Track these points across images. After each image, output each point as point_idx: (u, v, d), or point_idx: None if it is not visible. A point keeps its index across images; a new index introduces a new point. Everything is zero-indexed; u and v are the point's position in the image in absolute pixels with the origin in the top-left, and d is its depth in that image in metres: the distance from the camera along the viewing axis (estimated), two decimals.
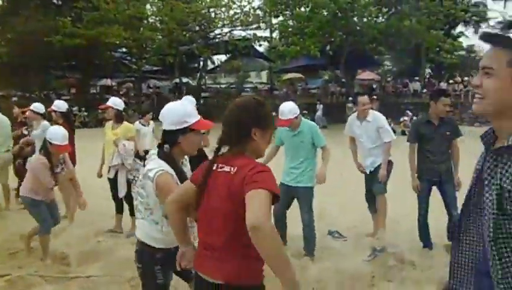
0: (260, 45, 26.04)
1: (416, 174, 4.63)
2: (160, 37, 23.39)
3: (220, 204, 1.72)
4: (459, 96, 22.10)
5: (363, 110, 4.75)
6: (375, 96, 21.67)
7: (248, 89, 29.62)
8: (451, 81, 23.81)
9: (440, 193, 4.62)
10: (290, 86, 28.09)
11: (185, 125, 2.25)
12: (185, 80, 29.28)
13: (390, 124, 18.63)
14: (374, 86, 26.07)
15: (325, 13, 20.20)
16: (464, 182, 4.47)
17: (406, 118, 19.11)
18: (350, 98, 21.33)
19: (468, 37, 37.26)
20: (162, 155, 2.27)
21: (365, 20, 21.27)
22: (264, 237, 1.47)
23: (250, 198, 1.54)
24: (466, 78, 24.14)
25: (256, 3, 23.73)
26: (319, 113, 20.65)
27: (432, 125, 4.49)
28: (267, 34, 26.23)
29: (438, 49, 20.89)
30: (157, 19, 23.54)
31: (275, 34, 26.08)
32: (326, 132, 19.31)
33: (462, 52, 35.94)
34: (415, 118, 18.99)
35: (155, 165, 2.23)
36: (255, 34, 23.65)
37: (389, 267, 4.11)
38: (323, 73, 30.49)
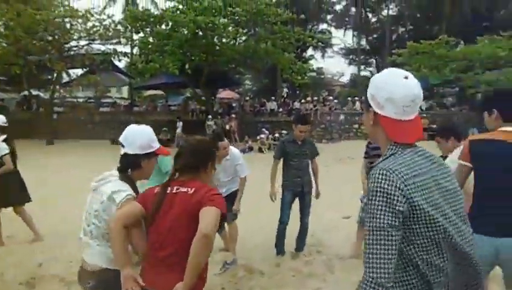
0: (120, 60, 25.88)
1: (281, 185, 5.33)
2: (4, 44, 21.70)
3: (176, 220, 2.01)
4: (310, 115, 24.86)
5: (224, 153, 4.76)
6: (233, 115, 23.38)
7: (107, 104, 29.03)
8: (303, 100, 26.61)
9: (299, 202, 5.37)
10: (150, 102, 28.45)
11: (151, 149, 2.39)
12: (35, 92, 27.46)
13: (247, 142, 20.22)
14: (234, 105, 27.80)
15: (185, 32, 21.03)
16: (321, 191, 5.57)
17: (262, 135, 20.85)
18: (209, 116, 22.54)
19: (317, 60, 42.29)
20: (124, 178, 2.32)
21: (224, 40, 22.59)
22: (207, 245, 1.85)
23: (205, 212, 1.92)
24: (315, 98, 27.15)
25: (117, 18, 23.66)
26: (178, 130, 21.32)
27: (296, 144, 5.23)
28: (127, 49, 26.23)
29: (291, 70, 23.08)
30: (1, 23, 21.77)
31: (136, 50, 26.20)
32: None
33: (313, 74, 40.53)
34: (270, 136, 21.04)
35: (122, 187, 2.26)
36: (115, 49, 23.51)
37: (239, 278, 4.52)
38: (185, 91, 31.38)
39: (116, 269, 2.13)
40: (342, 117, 24.07)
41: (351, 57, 43.96)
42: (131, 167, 2.35)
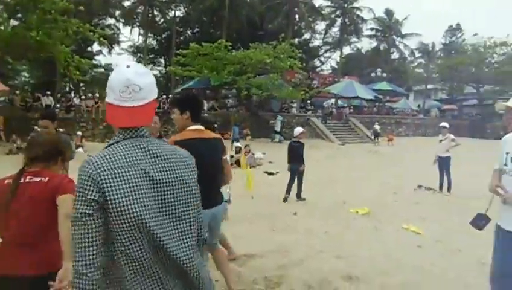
0: None
1: None
2: None
3: (33, 207, 2.29)
4: (91, 112, 24.35)
5: None
6: None
7: None
8: (83, 97, 25.87)
9: None
10: None
11: None
12: None
13: (16, 141, 18.55)
14: (1, 99, 25.15)
15: None
16: None
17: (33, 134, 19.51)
18: None
19: (106, 56, 41.49)
20: None
21: None
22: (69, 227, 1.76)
23: (64, 199, 2.27)
24: (97, 95, 26.67)
25: None
26: None
27: None
28: None
29: (67, 64, 22.00)
30: None
31: None
32: None
33: (101, 70, 39.62)
34: None
35: None
36: None
37: None
38: None
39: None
40: None
41: (139, 55, 44.44)
42: None
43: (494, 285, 3.48)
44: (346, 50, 52.20)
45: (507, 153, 3.41)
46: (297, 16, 41.87)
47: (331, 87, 36.37)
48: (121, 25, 41.39)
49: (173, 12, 41.31)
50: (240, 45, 29.45)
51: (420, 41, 52.50)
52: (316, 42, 50.83)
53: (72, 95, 29.77)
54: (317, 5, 44.62)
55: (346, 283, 4.68)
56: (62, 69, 23.25)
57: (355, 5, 46.17)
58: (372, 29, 51.83)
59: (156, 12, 40.60)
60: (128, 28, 41.92)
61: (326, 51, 52.18)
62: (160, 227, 1.55)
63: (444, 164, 11.12)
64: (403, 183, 12.22)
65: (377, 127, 29.43)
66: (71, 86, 37.29)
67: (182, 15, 42.68)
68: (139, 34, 41.95)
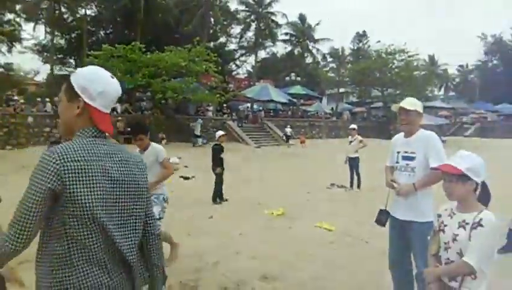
0: None
1: None
2: None
3: None
4: None
5: None
6: None
7: None
8: None
9: None
10: None
11: None
12: None
13: None
14: None
15: None
16: None
17: None
18: None
19: (6, 55, 38.26)
20: None
21: None
22: None
23: None
24: None
25: None
26: None
27: None
28: None
29: None
30: None
31: None
32: None
33: (1, 69, 36.53)
34: None
35: None
36: None
37: None
38: None
39: None
40: (30, 119, 22.61)
41: (46, 54, 41.67)
42: None
43: (392, 271, 3.89)
44: (262, 54, 53.39)
45: (398, 152, 3.81)
46: (212, 20, 41.98)
47: (247, 90, 36.92)
48: (22, 21, 38.38)
49: (84, 10, 39.32)
50: (155, 47, 28.69)
51: (332, 46, 55.19)
52: (232, 46, 51.33)
53: None
54: (232, 9, 45.18)
55: (263, 282, 4.77)
56: None
57: (270, 10, 47.41)
58: (286, 34, 53.59)
59: (63, 10, 38.28)
60: (31, 25, 38.82)
61: (241, 55, 52.84)
62: (111, 221, 1.69)
63: (353, 163, 11.84)
64: (316, 182, 12.73)
65: (288, 129, 30.31)
66: None
67: (93, 14, 40.74)
68: (45, 31, 39.21)
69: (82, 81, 1.77)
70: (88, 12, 39.94)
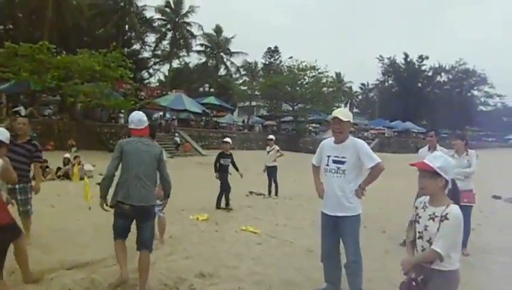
0: None
1: None
2: None
3: None
4: None
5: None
6: None
7: None
8: None
9: None
10: None
11: None
12: None
13: None
14: None
15: None
16: None
17: None
18: None
19: None
20: None
21: None
22: None
23: None
24: None
25: None
26: None
27: None
28: None
29: None
30: None
31: None
32: None
33: None
34: None
35: None
36: None
37: None
38: None
39: None
40: None
41: None
42: None
43: (324, 263, 4.47)
44: (175, 63, 53.13)
45: (328, 156, 4.39)
46: (127, 26, 41.10)
47: (161, 99, 36.62)
48: None
49: None
50: (64, 49, 27.52)
51: (245, 60, 56.53)
52: (146, 54, 50.54)
53: None
54: (148, 17, 44.61)
55: (200, 279, 5.06)
56: None
57: (186, 20, 47.48)
58: (201, 45, 53.88)
59: None
60: None
61: (155, 63, 52.23)
62: (136, 163, 4.52)
63: (271, 171, 12.50)
64: (234, 190, 13.15)
65: (177, 138, 30.57)
66: None
67: None
68: None
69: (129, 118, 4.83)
70: None
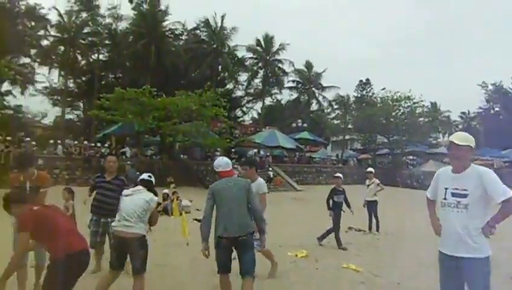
0: None
1: None
2: None
3: None
4: (0, 157, 22.49)
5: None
6: None
7: None
8: None
9: None
10: None
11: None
12: None
13: None
14: None
15: None
16: None
17: None
18: None
19: (16, 97, 38.84)
20: None
21: None
22: None
23: None
24: (9, 138, 24.85)
25: None
26: None
27: None
28: None
29: None
30: None
31: None
32: None
33: (10, 111, 37.05)
34: None
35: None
36: None
37: None
38: None
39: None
40: (40, 162, 22.68)
41: (55, 97, 42.40)
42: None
43: None
44: (268, 101, 54.06)
45: (446, 188, 3.70)
46: (220, 67, 42.95)
47: (255, 136, 37.17)
48: (36, 65, 39.31)
49: (96, 55, 40.39)
50: (164, 92, 29.27)
51: (337, 93, 55.84)
52: (239, 92, 52.14)
53: None
54: (240, 56, 46.22)
55: None
56: None
57: (277, 57, 48.37)
58: (293, 81, 54.32)
59: (77, 54, 39.36)
60: (44, 68, 39.73)
61: (248, 101, 53.61)
62: (227, 199, 4.82)
63: (371, 206, 11.72)
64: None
65: (270, 173, 30.30)
66: None
67: (105, 59, 41.77)
68: (59, 75, 40.01)
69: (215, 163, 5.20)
70: (100, 57, 41.08)
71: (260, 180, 6.39)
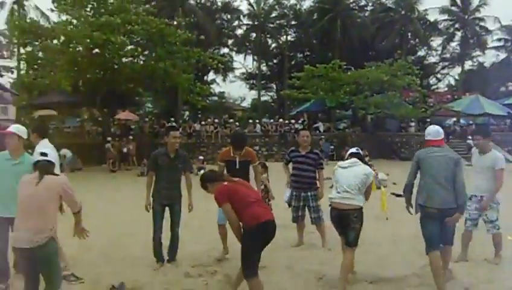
0: (2, 76, 24.41)
1: (152, 196, 5.60)
2: None
3: None
4: (211, 137, 25.67)
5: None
6: (131, 137, 23.35)
7: None
8: (203, 122, 27.30)
9: (170, 213, 5.67)
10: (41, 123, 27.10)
11: None
12: None
13: (145, 165, 20.05)
14: (132, 127, 27.61)
15: (80, 48, 20.67)
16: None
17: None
18: (109, 138, 21.98)
19: (219, 85, 43.63)
20: None
21: (124, 59, 22.47)
22: None
23: None
24: (216, 121, 28.00)
25: None
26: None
27: (167, 157, 5.52)
28: (13, 64, 24.92)
29: (190, 91, 23.75)
30: None
31: (22, 65, 24.90)
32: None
33: (215, 98, 41.73)
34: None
35: None
36: None
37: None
38: (80, 111, 30.20)
39: None
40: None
41: (251, 81, 46.14)
42: None
43: None
44: (467, 65, 48.61)
45: None
46: (409, 33, 40.39)
47: (454, 103, 34.01)
48: (233, 54, 43.45)
49: (284, 37, 42.37)
50: (352, 65, 29.02)
51: None
52: (432, 59, 48.23)
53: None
54: (432, 20, 42.57)
55: None
56: (185, 96, 24.97)
57: (477, 15, 42.96)
58: (499, 39, 47.41)
59: (267, 39, 42.01)
60: (240, 56, 43.73)
61: (443, 67, 49.23)
62: (433, 168, 4.61)
63: None
64: None
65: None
66: (188, 113, 39.66)
67: (292, 39, 43.47)
68: (253, 60, 43.55)
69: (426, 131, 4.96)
70: (288, 38, 42.96)
71: (495, 153, 5.65)
